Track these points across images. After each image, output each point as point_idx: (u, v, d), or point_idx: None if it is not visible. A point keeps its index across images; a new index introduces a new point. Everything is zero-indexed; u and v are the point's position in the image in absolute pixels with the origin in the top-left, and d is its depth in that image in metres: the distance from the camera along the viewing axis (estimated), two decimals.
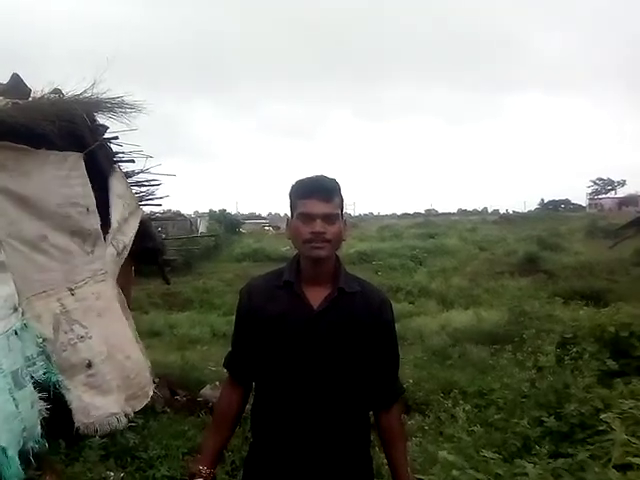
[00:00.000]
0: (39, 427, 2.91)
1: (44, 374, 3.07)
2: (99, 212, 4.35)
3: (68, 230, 3.70)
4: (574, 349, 4.85)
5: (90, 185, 4.02)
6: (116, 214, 4.50)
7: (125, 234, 4.75)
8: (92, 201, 4.01)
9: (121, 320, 4.13)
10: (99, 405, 3.51)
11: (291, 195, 1.73)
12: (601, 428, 3.14)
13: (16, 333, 2.91)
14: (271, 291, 1.74)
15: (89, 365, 3.48)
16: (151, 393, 4.24)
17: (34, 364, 3.04)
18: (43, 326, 3.21)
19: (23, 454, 2.81)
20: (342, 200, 1.73)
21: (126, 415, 3.72)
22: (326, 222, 1.64)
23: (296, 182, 1.73)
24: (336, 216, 1.68)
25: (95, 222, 4.04)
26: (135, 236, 5.00)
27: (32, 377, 2.99)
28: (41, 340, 3.08)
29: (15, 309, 2.97)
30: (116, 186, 4.56)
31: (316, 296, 1.70)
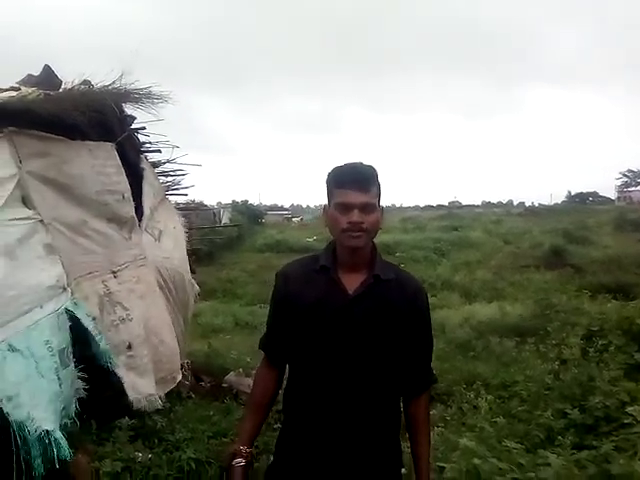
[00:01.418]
0: (74, 405, 2.97)
1: (100, 350, 3.16)
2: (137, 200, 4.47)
3: (105, 217, 3.78)
4: (600, 342, 4.80)
5: (124, 173, 4.09)
6: (148, 202, 4.57)
7: (158, 221, 4.84)
8: (127, 188, 4.09)
9: (159, 304, 4.21)
10: (139, 385, 3.61)
11: (328, 183, 1.72)
12: (627, 421, 3.12)
13: (67, 311, 2.99)
14: (307, 276, 1.75)
15: (129, 347, 3.56)
16: (179, 378, 4.33)
17: (87, 341, 3.13)
18: (91, 306, 3.30)
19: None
20: (379, 188, 1.71)
21: (160, 397, 3.82)
22: (363, 212, 1.64)
23: (333, 170, 1.72)
24: (373, 205, 1.66)
25: (130, 209, 4.12)
26: None
27: (83, 355, 3.09)
28: (91, 318, 3.17)
29: (64, 289, 3.06)
30: (147, 175, 4.64)
31: (352, 282, 1.71)
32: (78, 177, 3.53)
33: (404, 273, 1.83)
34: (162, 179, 5.31)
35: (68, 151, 3.49)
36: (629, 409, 3.15)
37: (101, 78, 3.83)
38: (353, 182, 1.64)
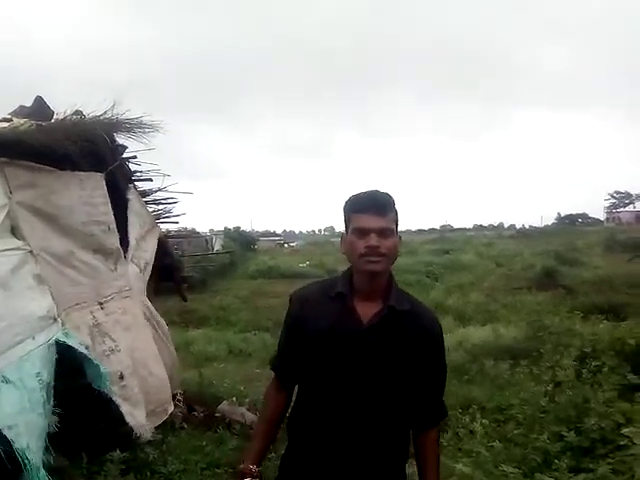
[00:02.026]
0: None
1: (100, 374, 3.12)
2: (117, 230, 4.46)
3: (91, 248, 3.78)
4: (593, 363, 4.79)
5: (109, 204, 4.11)
6: (134, 232, 4.58)
7: (145, 251, 4.84)
8: (112, 219, 4.10)
9: (146, 336, 4.19)
10: (135, 414, 3.58)
11: (345, 210, 1.74)
12: (622, 443, 3.10)
13: (58, 342, 2.95)
14: (323, 301, 1.75)
15: (121, 377, 3.54)
16: (171, 410, 4.26)
17: (81, 371, 3.10)
18: (82, 336, 3.28)
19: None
20: (397, 215, 1.72)
21: (150, 430, 3.76)
22: (381, 236, 1.64)
23: (350, 197, 1.73)
24: (391, 231, 1.67)
25: (116, 240, 4.13)
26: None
27: (76, 385, 3.07)
28: (85, 347, 3.14)
29: (55, 319, 3.04)
30: (133, 205, 4.66)
31: (367, 311, 1.70)
32: (66, 208, 3.54)
33: (420, 305, 1.82)
34: (153, 207, 5.33)
35: (57, 182, 3.51)
36: (625, 430, 3.13)
37: (93, 108, 3.89)
38: (370, 207, 1.66)
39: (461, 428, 4.59)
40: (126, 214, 4.53)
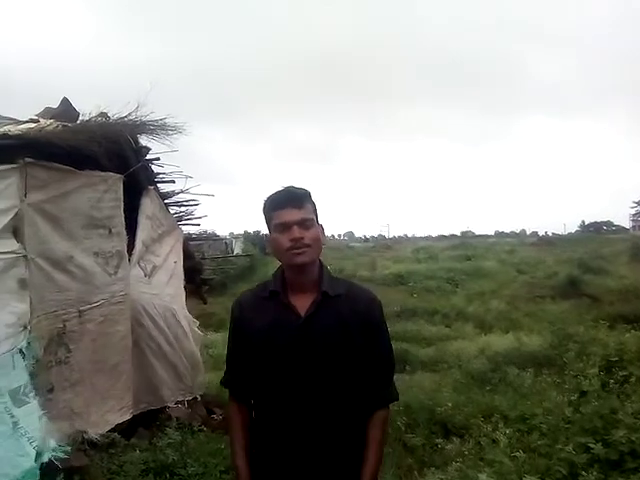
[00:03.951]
0: (52, 439, 2.91)
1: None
2: (133, 233, 4.46)
3: (91, 251, 3.76)
4: (620, 373, 4.66)
5: (121, 207, 4.10)
6: (142, 235, 4.57)
7: (156, 255, 4.81)
8: (118, 222, 4.07)
9: (119, 344, 4.06)
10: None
11: (265, 211, 1.78)
12: None
13: (21, 351, 2.92)
14: (259, 303, 1.77)
15: (51, 390, 3.38)
16: (123, 418, 4.04)
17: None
18: (40, 346, 3.20)
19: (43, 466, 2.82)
20: (315, 206, 1.77)
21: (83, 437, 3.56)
22: (302, 227, 1.68)
23: (266, 198, 1.78)
24: (311, 221, 1.72)
25: (118, 244, 4.09)
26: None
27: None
28: (34, 361, 3.06)
29: (25, 327, 2.99)
30: (147, 207, 4.65)
31: (303, 303, 1.72)
32: (71, 210, 3.54)
33: (356, 287, 1.83)
34: (175, 209, 5.36)
35: (71, 183, 3.52)
36: None
37: (117, 110, 3.92)
38: (287, 202, 1.71)
39: (483, 437, 4.50)
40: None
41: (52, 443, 2.90)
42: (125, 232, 4.19)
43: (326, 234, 1.85)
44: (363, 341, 1.71)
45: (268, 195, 1.78)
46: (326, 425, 1.68)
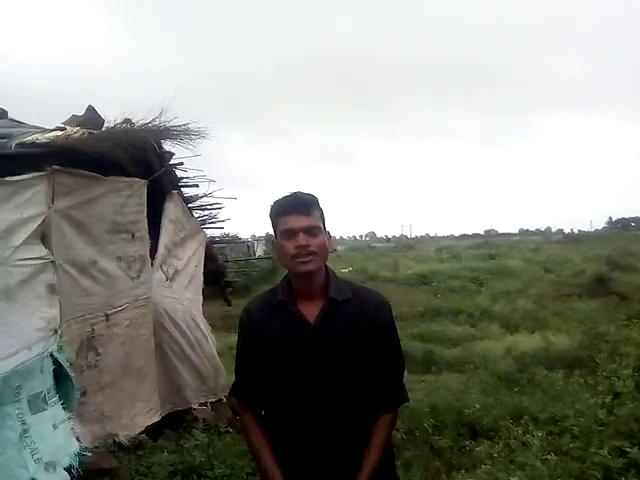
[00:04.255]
0: (73, 444, 2.90)
1: (63, 397, 3.05)
2: (157, 237, 4.49)
3: (114, 256, 3.81)
4: None
5: (145, 211, 4.15)
6: (165, 239, 4.60)
7: (178, 259, 4.84)
8: (141, 227, 4.12)
9: (144, 348, 4.11)
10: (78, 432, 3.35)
11: (271, 215, 1.75)
12: None
13: (51, 355, 2.93)
14: (268, 313, 1.75)
15: (83, 394, 3.42)
16: (153, 419, 4.10)
17: (61, 386, 3.05)
18: (72, 350, 3.25)
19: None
20: (322, 213, 1.74)
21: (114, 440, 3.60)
22: (309, 235, 1.66)
23: (273, 202, 1.75)
24: (318, 228, 1.69)
25: (141, 248, 4.13)
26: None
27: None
28: (69, 364, 3.09)
29: (55, 331, 3.02)
30: (170, 211, 4.69)
31: (312, 311, 1.70)
32: (96, 216, 3.58)
33: (363, 290, 1.81)
34: (199, 213, 5.40)
35: (97, 189, 3.56)
36: None
37: (141, 116, 3.95)
38: (294, 208, 1.69)
39: (513, 439, 4.41)
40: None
41: (74, 447, 2.90)
42: (148, 236, 4.25)
43: (333, 241, 1.84)
44: (372, 343, 1.70)
45: (275, 200, 1.76)
46: (337, 429, 1.67)
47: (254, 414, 1.80)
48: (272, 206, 1.76)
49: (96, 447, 3.30)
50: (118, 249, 3.85)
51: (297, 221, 1.67)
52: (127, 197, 3.91)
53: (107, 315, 3.67)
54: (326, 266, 1.77)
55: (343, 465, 1.67)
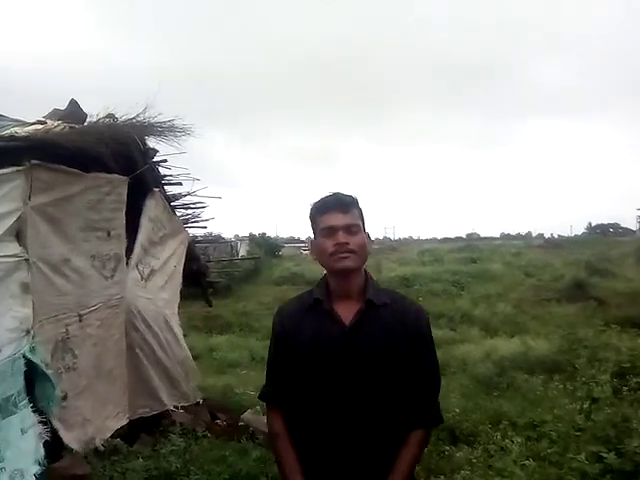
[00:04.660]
0: (39, 450, 2.79)
1: (53, 395, 2.98)
2: (135, 235, 4.39)
3: (88, 254, 3.71)
4: (634, 380, 4.59)
5: (124, 209, 4.05)
6: (142, 237, 4.51)
7: (156, 258, 4.75)
8: (118, 225, 4.02)
9: (114, 349, 4.02)
10: (64, 437, 3.30)
11: (311, 214, 1.76)
12: None
13: (23, 357, 2.82)
14: (302, 312, 1.74)
15: (64, 397, 3.32)
16: (120, 423, 4.00)
17: (39, 388, 2.94)
18: (46, 351, 3.13)
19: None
20: (362, 213, 1.75)
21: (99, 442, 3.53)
22: (348, 233, 1.66)
23: (314, 202, 1.76)
24: (357, 227, 1.69)
25: (116, 246, 4.03)
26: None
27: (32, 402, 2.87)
28: (45, 364, 2.98)
29: (27, 332, 2.91)
30: (150, 209, 4.59)
31: (347, 312, 1.68)
32: (71, 213, 3.48)
33: (402, 298, 1.80)
34: (182, 212, 5.32)
35: (75, 185, 3.46)
36: None
37: (125, 112, 3.88)
38: (334, 206, 1.69)
39: (491, 444, 4.43)
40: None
41: (41, 453, 2.79)
42: (125, 235, 4.15)
43: (371, 242, 1.82)
44: (409, 354, 1.67)
45: (315, 200, 1.76)
46: (365, 438, 1.64)
47: (284, 420, 1.76)
48: (312, 206, 1.77)
49: (71, 451, 3.22)
50: (92, 247, 3.75)
51: (337, 219, 1.67)
52: (105, 194, 3.81)
53: (80, 315, 3.57)
54: (365, 271, 1.76)
55: (366, 473, 1.64)
